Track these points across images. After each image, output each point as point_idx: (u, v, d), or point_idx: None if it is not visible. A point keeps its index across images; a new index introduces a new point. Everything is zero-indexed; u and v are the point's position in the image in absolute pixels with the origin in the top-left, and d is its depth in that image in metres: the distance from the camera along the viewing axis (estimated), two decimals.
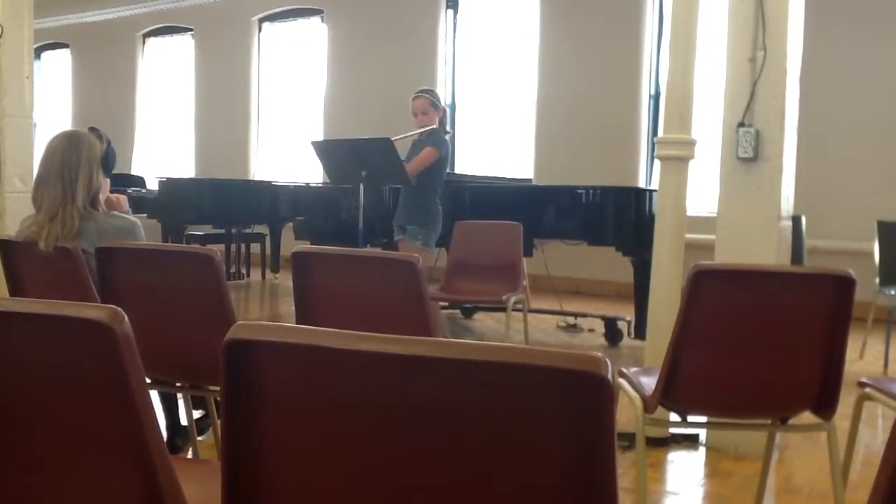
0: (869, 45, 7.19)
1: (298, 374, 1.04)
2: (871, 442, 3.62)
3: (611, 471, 0.92)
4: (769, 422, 2.44)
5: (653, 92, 8.35)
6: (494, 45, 9.39)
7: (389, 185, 5.31)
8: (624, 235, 5.59)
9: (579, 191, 5.77)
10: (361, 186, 4.52)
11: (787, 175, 3.46)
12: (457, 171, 8.34)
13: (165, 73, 12.02)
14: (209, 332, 1.69)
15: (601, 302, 7.39)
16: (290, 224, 7.41)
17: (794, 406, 2.31)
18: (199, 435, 3.04)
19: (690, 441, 3.55)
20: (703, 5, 3.61)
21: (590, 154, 8.30)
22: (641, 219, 5.45)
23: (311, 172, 9.30)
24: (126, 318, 1.10)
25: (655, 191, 3.95)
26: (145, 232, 2.99)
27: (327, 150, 4.91)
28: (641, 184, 8.19)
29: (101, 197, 2.92)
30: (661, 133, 3.72)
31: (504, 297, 4.59)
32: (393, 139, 4.48)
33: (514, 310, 4.66)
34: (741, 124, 3.42)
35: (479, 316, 6.70)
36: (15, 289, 2.88)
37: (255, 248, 9.04)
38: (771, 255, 3.38)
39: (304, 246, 2.56)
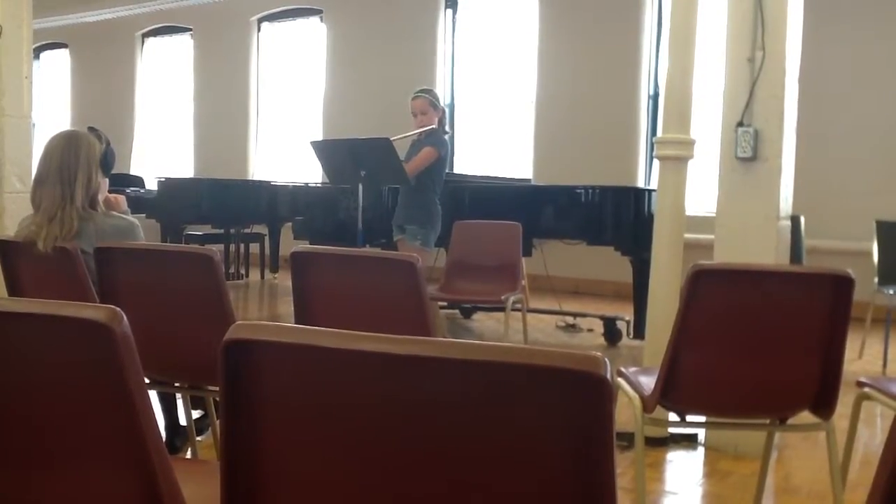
0: (867, 44, 7.19)
1: (297, 374, 1.04)
2: (870, 441, 3.62)
3: (609, 470, 0.92)
4: (768, 421, 2.44)
5: (652, 92, 8.36)
6: (493, 45, 9.39)
7: (388, 185, 5.31)
8: (623, 235, 5.59)
9: (578, 191, 5.77)
10: (360, 186, 4.52)
11: (785, 175, 3.46)
12: (456, 170, 8.34)
13: (164, 73, 12.02)
14: (208, 333, 1.69)
15: (600, 302, 7.39)
16: (289, 224, 7.41)
17: (792, 406, 2.31)
18: (198, 435, 3.04)
19: (689, 441, 3.55)
20: (702, 5, 3.61)
21: (589, 154, 8.30)
22: (640, 218, 5.46)
23: (310, 172, 9.29)
24: (125, 318, 1.10)
25: (654, 191, 3.95)
26: (144, 232, 2.99)
27: (326, 150, 4.91)
28: (640, 184, 8.20)
29: (100, 197, 2.92)
30: (660, 133, 3.72)
31: (503, 297, 4.59)
32: (392, 139, 4.48)
33: (513, 310, 4.66)
34: (740, 124, 3.42)
35: (478, 316, 6.70)
36: (13, 289, 2.88)
37: (254, 248, 9.04)
38: (770, 254, 3.39)
39: (303, 246, 2.56)
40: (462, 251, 5.11)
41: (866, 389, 2.47)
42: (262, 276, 8.98)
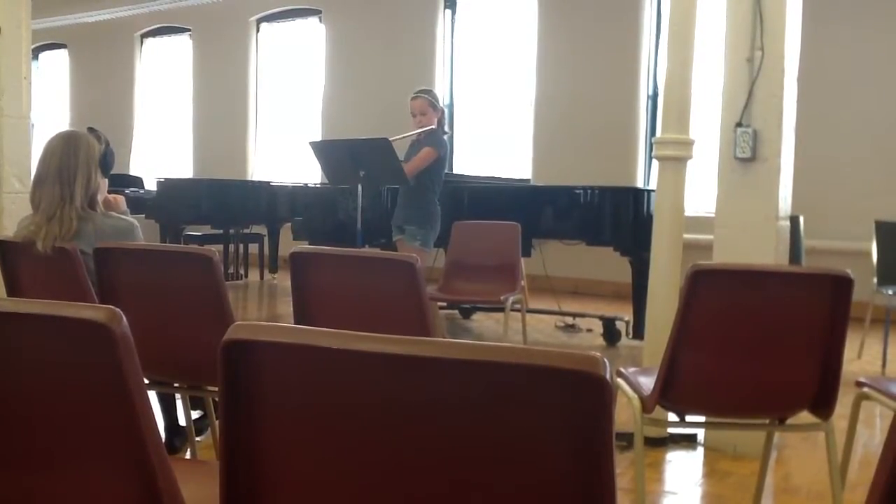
0: (866, 44, 7.19)
1: (297, 375, 1.04)
2: (870, 442, 3.62)
3: (609, 470, 0.92)
4: (767, 421, 2.44)
5: (651, 92, 8.36)
6: (492, 46, 9.39)
7: (388, 185, 5.31)
8: (622, 235, 5.59)
9: (577, 191, 5.77)
10: (360, 187, 4.52)
11: (784, 175, 3.46)
12: (455, 171, 8.35)
13: (163, 74, 12.02)
14: (207, 333, 1.68)
15: (599, 302, 7.39)
16: (289, 224, 7.41)
17: (792, 406, 2.31)
18: (197, 435, 3.04)
19: (688, 441, 3.55)
20: (701, 5, 3.61)
21: (588, 154, 8.30)
22: (640, 219, 5.46)
23: (309, 173, 9.30)
24: (124, 318, 1.10)
25: (653, 191, 3.95)
26: (143, 232, 2.99)
27: (325, 151, 4.91)
28: (639, 184, 8.20)
29: (100, 197, 2.92)
30: (659, 133, 3.72)
31: (502, 298, 4.59)
32: (391, 139, 4.48)
33: (513, 310, 4.66)
34: (739, 124, 3.43)
35: (477, 316, 6.70)
36: (12, 289, 2.88)
37: (254, 248, 9.04)
38: (769, 254, 3.39)
39: (303, 246, 2.56)
40: (461, 251, 5.11)
41: (865, 389, 2.47)
42: (262, 277, 8.98)
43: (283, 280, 8.38)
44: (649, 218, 4.25)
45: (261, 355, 1.03)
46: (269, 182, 8.77)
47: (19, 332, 1.18)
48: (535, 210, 5.88)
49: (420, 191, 4.73)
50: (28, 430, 1.24)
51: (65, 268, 2.68)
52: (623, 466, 2.97)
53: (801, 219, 5.15)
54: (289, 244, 3.72)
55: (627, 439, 2.90)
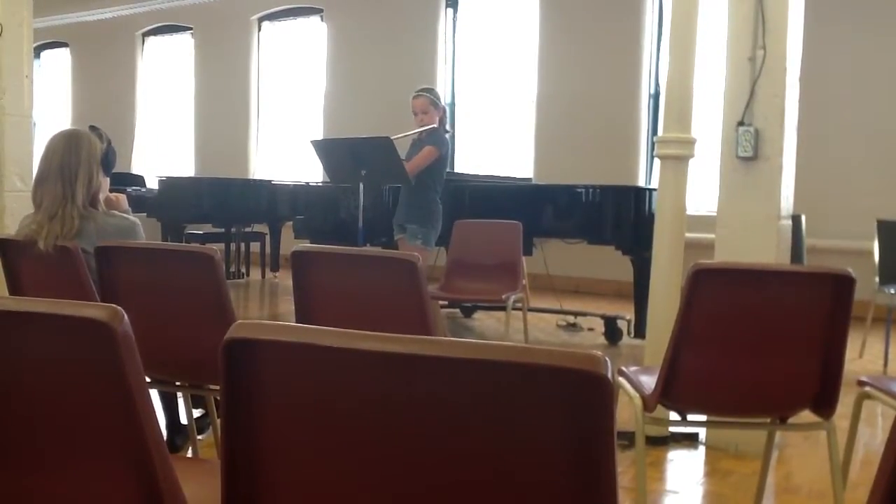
0: (869, 44, 7.19)
1: (298, 373, 1.04)
2: (871, 441, 3.62)
3: (610, 469, 0.92)
4: (769, 421, 2.44)
5: (652, 91, 8.35)
6: (494, 44, 9.38)
7: (389, 184, 5.31)
8: (623, 234, 5.59)
9: (579, 190, 5.77)
10: (361, 185, 4.52)
11: (786, 174, 3.46)
12: (457, 170, 8.34)
13: (165, 73, 12.02)
14: (209, 331, 1.69)
15: (601, 301, 7.39)
16: (290, 223, 7.41)
17: (793, 405, 2.31)
18: (198, 434, 3.04)
19: (690, 440, 3.55)
20: (703, 4, 3.61)
21: (589, 153, 8.30)
22: (641, 218, 5.45)
23: (310, 171, 9.29)
24: (126, 317, 1.10)
25: (655, 190, 3.95)
26: (145, 231, 2.99)
27: (327, 149, 4.91)
28: (641, 183, 8.19)
29: (101, 196, 2.92)
30: (660, 132, 3.72)
31: (504, 296, 4.59)
32: (393, 138, 4.48)
33: (514, 309, 4.66)
34: (741, 123, 3.42)
35: (478, 315, 6.70)
36: (14, 288, 2.88)
37: (255, 247, 9.04)
38: (770, 254, 3.39)
39: (304, 245, 2.56)
40: (463, 250, 5.11)
41: (867, 389, 2.47)
42: (263, 276, 8.98)
43: (285, 279, 8.37)
44: (651, 217, 4.25)
45: (262, 354, 1.03)
46: (270, 181, 8.77)
47: (21, 330, 1.18)
48: (536, 209, 5.88)
49: (421, 190, 4.73)
50: (29, 429, 1.24)
51: (66, 266, 2.68)
52: (624, 465, 2.97)
53: (803, 218, 5.15)
54: (290, 243, 3.72)
55: (629, 438, 2.90)
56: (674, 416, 2.50)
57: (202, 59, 11.43)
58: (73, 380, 1.18)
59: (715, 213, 3.56)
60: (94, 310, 1.11)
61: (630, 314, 5.75)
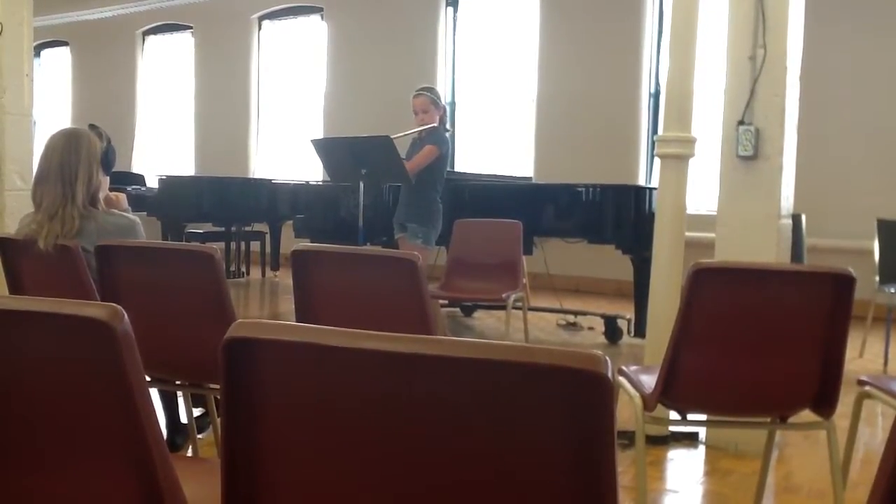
0: (869, 43, 7.18)
1: (298, 373, 1.04)
2: (871, 440, 3.62)
3: (610, 469, 0.92)
4: (769, 420, 2.44)
5: (653, 90, 8.35)
6: (494, 43, 9.38)
7: (389, 183, 5.31)
8: (624, 234, 5.59)
9: (579, 189, 5.77)
10: (361, 184, 4.52)
11: (786, 173, 3.46)
12: (457, 169, 8.34)
13: (165, 71, 12.01)
14: (209, 331, 1.69)
15: (601, 300, 7.39)
16: (290, 222, 7.41)
17: (793, 404, 2.31)
18: (198, 433, 3.04)
19: (690, 439, 3.55)
20: (704, 3, 3.61)
21: (590, 152, 8.30)
22: (641, 217, 5.45)
23: (311, 170, 9.29)
24: (126, 316, 1.10)
25: (655, 189, 3.95)
26: (145, 230, 2.99)
27: (327, 148, 4.90)
28: (641, 182, 8.19)
29: (101, 195, 2.92)
30: (661, 131, 3.72)
31: (504, 296, 4.59)
32: (393, 137, 4.48)
33: (514, 308, 4.66)
34: (741, 122, 3.42)
35: (478, 314, 6.70)
36: (14, 287, 2.88)
37: (255, 246, 9.04)
38: (771, 253, 3.39)
39: (304, 244, 2.56)
40: (463, 249, 5.11)
41: (867, 388, 2.47)
42: (263, 275, 8.98)
43: (285, 278, 8.38)
44: (651, 216, 4.25)
45: (262, 353, 1.03)
46: (270, 180, 8.77)
47: (21, 330, 1.18)
48: (536, 208, 5.88)
49: (422, 189, 4.73)
50: (29, 429, 1.24)
51: (66, 266, 2.68)
52: (624, 465, 2.97)
53: (803, 217, 5.15)
54: (290, 242, 3.72)
55: (629, 437, 2.90)
56: (674, 415, 2.50)
57: (202, 58, 11.43)
58: (73, 379, 1.18)
59: (715, 213, 3.56)
60: (94, 309, 1.11)
61: (630, 313, 5.75)
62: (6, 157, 4.16)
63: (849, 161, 7.20)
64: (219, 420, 2.58)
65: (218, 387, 1.55)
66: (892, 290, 4.99)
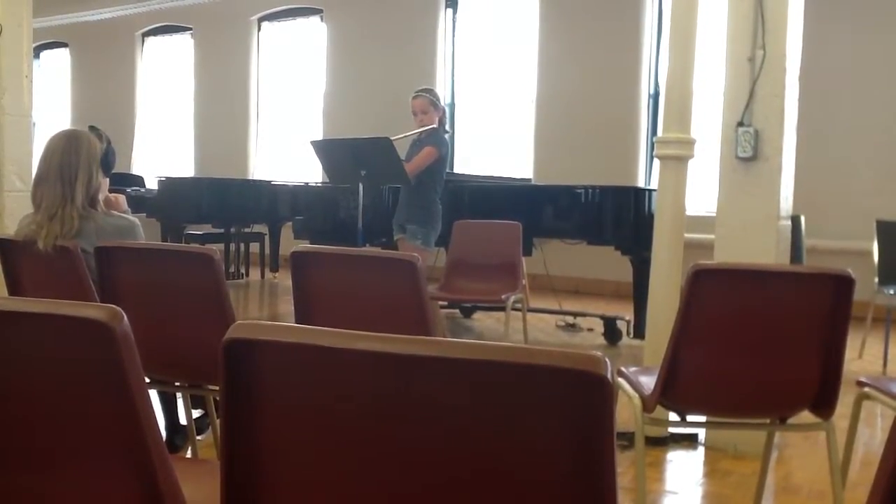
0: (868, 44, 7.19)
1: (298, 374, 1.04)
2: (871, 441, 3.62)
3: (610, 470, 0.92)
4: (768, 421, 2.44)
5: (652, 91, 8.36)
6: (494, 45, 9.39)
7: (389, 184, 5.31)
8: (623, 235, 5.59)
9: (578, 190, 5.77)
10: (361, 186, 4.52)
11: (786, 174, 3.46)
12: (456, 170, 8.34)
13: (165, 73, 12.02)
14: (208, 332, 1.69)
15: (600, 301, 7.39)
16: (290, 223, 7.41)
17: (793, 405, 2.31)
18: (198, 434, 3.04)
19: (689, 440, 3.55)
20: (703, 4, 3.61)
21: (589, 153, 8.30)
22: (640, 218, 5.45)
23: (310, 172, 9.29)
24: (125, 317, 1.10)
25: (655, 190, 3.95)
26: (144, 231, 2.99)
27: (326, 150, 4.91)
28: (641, 183, 8.20)
29: (101, 196, 2.92)
30: (660, 132, 3.72)
31: (503, 297, 4.59)
32: (392, 138, 4.48)
33: (514, 309, 4.66)
34: (740, 124, 3.42)
35: (478, 315, 6.70)
36: (14, 288, 2.88)
37: (255, 247, 9.04)
38: (770, 254, 3.39)
39: (304, 245, 2.56)
40: (462, 251, 5.11)
41: (866, 389, 2.47)
42: (263, 276, 8.98)
43: (284, 279, 8.38)
44: (650, 217, 4.25)
45: (262, 354, 1.03)
46: (270, 181, 8.77)
47: (20, 331, 1.18)
48: (536, 209, 5.88)
49: (421, 190, 4.73)
50: (29, 429, 1.24)
51: (66, 267, 2.68)
52: (624, 466, 2.97)
53: (803, 218, 5.14)
54: (290, 243, 3.72)
55: (628, 439, 2.90)
56: (673, 416, 2.50)
57: (202, 59, 11.43)
58: (72, 380, 1.18)
59: (714, 214, 3.56)
60: (93, 310, 1.11)
61: (629, 314, 5.75)
62: (5, 159, 4.16)
63: (848, 162, 7.20)
64: (218, 421, 2.58)
65: (217, 388, 1.55)
66: (892, 292, 4.99)
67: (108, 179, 2.99)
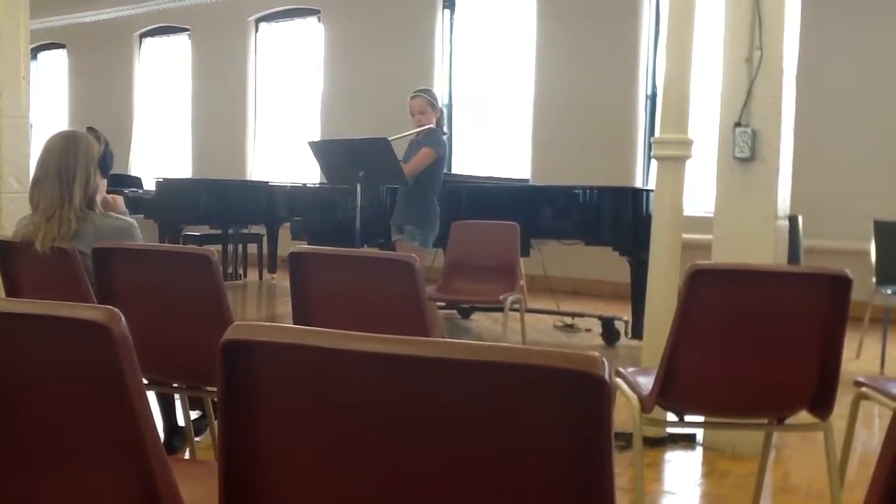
0: (865, 44, 7.19)
1: (295, 375, 1.04)
2: (868, 441, 3.63)
3: (608, 470, 0.92)
4: (766, 421, 2.45)
5: (650, 92, 8.36)
6: (491, 45, 9.39)
7: (387, 185, 5.31)
8: (621, 235, 5.59)
9: (576, 191, 5.77)
10: (359, 186, 4.52)
11: (783, 175, 3.46)
12: (454, 171, 8.35)
13: (162, 74, 12.01)
14: (206, 333, 1.68)
15: (598, 302, 7.39)
16: (288, 224, 7.41)
17: (790, 405, 2.32)
18: (196, 436, 3.04)
19: (687, 441, 3.55)
20: (700, 5, 3.61)
21: (587, 154, 8.30)
22: (638, 219, 5.46)
23: (308, 173, 9.29)
24: (123, 318, 1.10)
25: (652, 191, 3.95)
26: (142, 232, 2.99)
27: (324, 151, 4.91)
28: (638, 184, 8.20)
29: (98, 198, 2.92)
30: (657, 133, 3.72)
31: (501, 297, 4.59)
32: (390, 139, 4.48)
33: (512, 310, 4.66)
34: (738, 124, 3.43)
35: (476, 316, 6.70)
36: (11, 289, 2.88)
37: (252, 248, 9.04)
38: (768, 254, 3.39)
39: (302, 246, 2.56)
40: (460, 251, 5.11)
41: (864, 389, 2.47)
42: (261, 277, 8.98)
43: (282, 280, 8.38)
44: (648, 218, 4.25)
45: (260, 355, 1.03)
46: (267, 182, 8.77)
47: (18, 332, 1.18)
48: (533, 210, 5.88)
49: (419, 191, 4.73)
50: (27, 431, 1.24)
51: (63, 268, 2.68)
52: (622, 466, 2.97)
53: (800, 218, 5.14)
54: (288, 244, 3.72)
55: (626, 439, 2.90)
56: (671, 416, 2.51)
57: (199, 60, 11.42)
58: (70, 381, 1.18)
59: (712, 214, 3.56)
60: (91, 311, 1.11)
61: (627, 315, 5.75)
62: (3, 160, 4.15)
63: (846, 162, 7.21)
64: (216, 422, 2.58)
65: (215, 389, 1.55)
66: (889, 292, 5.00)
67: (105, 181, 2.99)
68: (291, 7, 10.61)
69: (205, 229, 8.38)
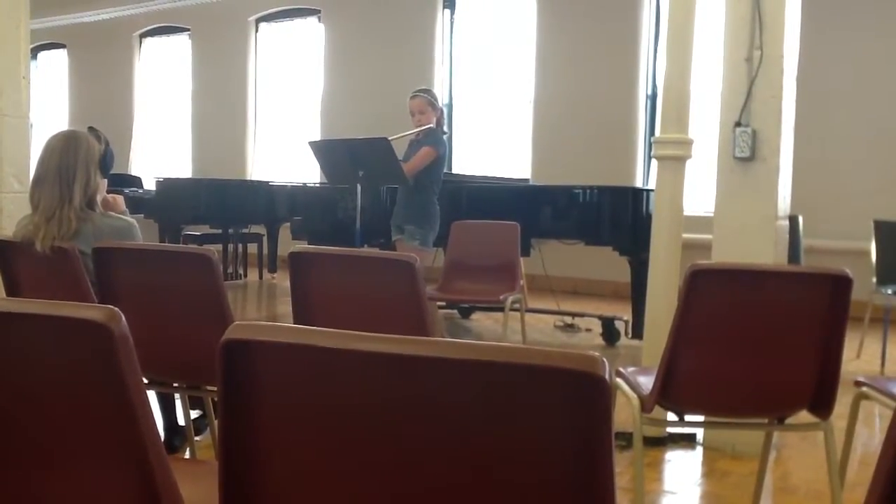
0: (865, 44, 7.19)
1: (296, 374, 1.04)
2: (868, 441, 3.63)
3: (608, 470, 0.92)
4: (766, 421, 2.44)
5: (650, 92, 8.36)
6: (491, 45, 9.39)
7: (387, 184, 5.31)
8: (621, 235, 5.59)
9: (576, 191, 5.77)
10: (359, 186, 4.52)
11: (783, 174, 3.46)
12: (454, 170, 8.34)
13: (162, 74, 12.01)
14: (206, 333, 1.68)
15: (598, 302, 7.39)
16: (288, 224, 7.41)
17: (791, 405, 2.31)
18: (196, 435, 3.04)
19: (687, 440, 3.55)
20: (700, 5, 3.61)
21: (587, 154, 8.31)
22: (638, 219, 5.46)
23: (308, 172, 9.29)
24: (123, 318, 1.10)
25: (652, 191, 3.96)
26: (142, 232, 2.99)
27: (324, 150, 4.91)
28: (638, 183, 8.20)
29: (99, 197, 2.92)
30: (658, 133, 3.72)
31: (501, 297, 4.59)
32: (390, 139, 4.48)
33: (512, 310, 4.66)
34: (738, 124, 3.43)
35: (476, 316, 6.70)
36: (11, 289, 2.88)
37: (253, 248, 9.04)
38: (768, 254, 3.39)
39: (302, 246, 2.56)
40: (460, 251, 5.11)
41: (864, 389, 2.47)
42: (261, 277, 8.98)
43: (283, 280, 8.38)
44: (648, 218, 4.25)
45: (260, 355, 1.03)
46: (268, 182, 8.77)
47: (18, 332, 1.18)
48: (534, 210, 5.88)
49: (419, 190, 4.73)
50: (27, 430, 1.24)
51: (64, 268, 2.68)
52: (622, 466, 2.97)
53: (800, 218, 5.15)
54: (288, 244, 3.73)
55: (626, 439, 2.90)
56: (671, 416, 2.50)
57: (200, 60, 11.42)
58: (70, 381, 1.18)
59: (712, 214, 3.56)
60: (91, 311, 1.11)
61: (627, 315, 5.75)
62: (3, 160, 4.15)
63: (846, 162, 7.21)
64: (216, 422, 2.58)
65: (215, 389, 1.55)
66: (889, 292, 5.00)
67: (106, 180, 2.99)
68: (291, 7, 10.61)
69: (205, 229, 8.38)
